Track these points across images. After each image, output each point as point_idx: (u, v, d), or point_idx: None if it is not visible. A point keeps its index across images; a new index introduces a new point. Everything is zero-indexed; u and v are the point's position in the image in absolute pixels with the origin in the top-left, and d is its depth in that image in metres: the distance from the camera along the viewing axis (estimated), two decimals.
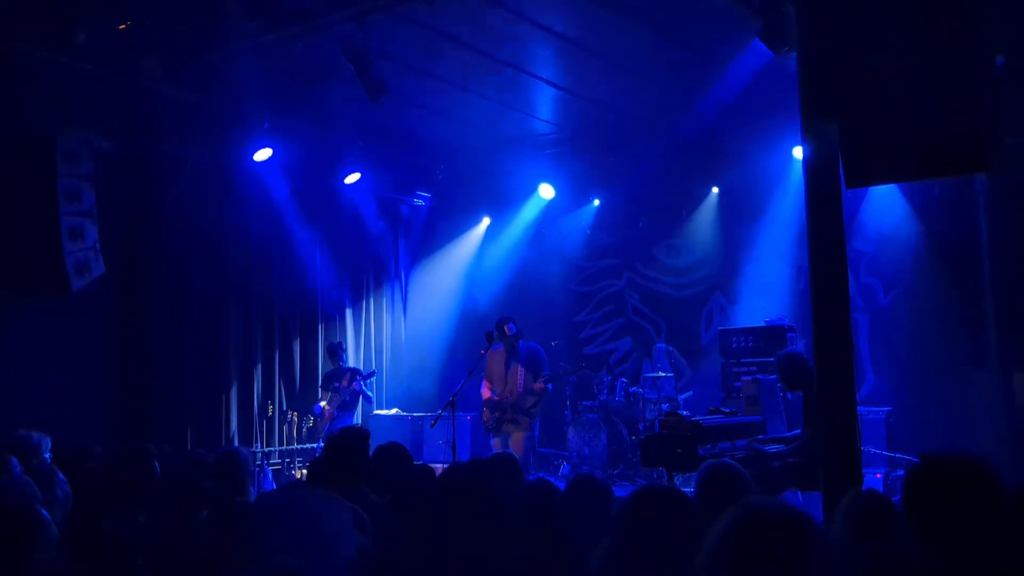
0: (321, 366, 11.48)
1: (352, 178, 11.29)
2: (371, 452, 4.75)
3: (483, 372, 9.60)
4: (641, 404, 11.19)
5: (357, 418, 10.81)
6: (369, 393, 10.83)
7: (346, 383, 10.38)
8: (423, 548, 2.42)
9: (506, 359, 9.43)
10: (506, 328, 9.33)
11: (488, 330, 8.94)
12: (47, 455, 5.24)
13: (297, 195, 11.02)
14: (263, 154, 9.94)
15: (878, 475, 8.70)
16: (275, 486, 8.72)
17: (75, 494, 4.51)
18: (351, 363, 11.40)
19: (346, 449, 4.46)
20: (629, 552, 2.40)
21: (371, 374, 11.22)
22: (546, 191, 12.53)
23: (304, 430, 10.62)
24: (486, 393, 9.52)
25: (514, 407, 9.24)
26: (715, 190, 11.86)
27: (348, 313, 12.17)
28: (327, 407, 10.43)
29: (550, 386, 9.46)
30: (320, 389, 10.81)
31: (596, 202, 12.77)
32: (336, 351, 10.72)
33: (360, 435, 4.60)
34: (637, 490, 2.69)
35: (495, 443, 9.36)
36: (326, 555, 3.17)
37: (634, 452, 10.55)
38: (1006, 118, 4.26)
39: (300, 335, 11.41)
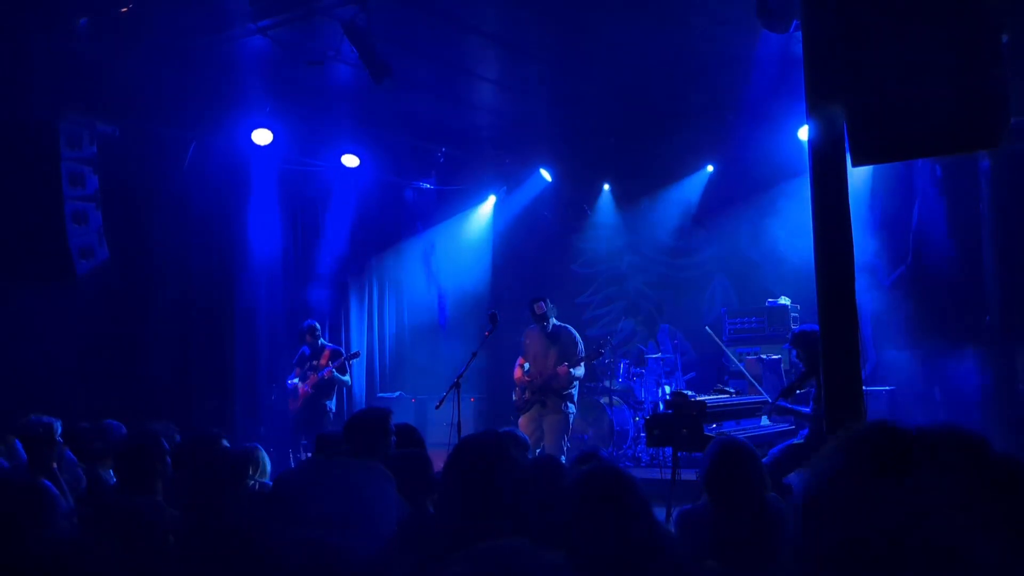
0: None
1: (353, 161, 11.26)
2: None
3: (521, 352, 9.27)
4: (644, 385, 11.24)
5: (332, 401, 10.17)
6: (344, 377, 10.23)
7: (325, 362, 10.00)
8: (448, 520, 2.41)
9: (542, 339, 9.03)
10: (536, 307, 8.96)
11: (492, 311, 8.90)
12: (58, 439, 5.26)
13: (300, 178, 11.00)
14: (264, 137, 9.92)
15: None
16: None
17: (88, 476, 4.55)
18: (354, 345, 11.41)
19: (368, 428, 4.41)
20: (580, 532, 2.35)
21: (355, 355, 10.67)
22: (545, 175, 12.59)
23: None
24: (518, 373, 9.14)
25: (543, 388, 8.82)
26: (709, 168, 11.89)
27: (352, 296, 12.17)
28: (302, 386, 9.99)
29: (574, 371, 8.81)
30: (295, 367, 10.25)
31: (606, 187, 12.81)
32: (314, 331, 10.26)
33: (383, 415, 4.57)
34: (582, 476, 2.55)
35: (522, 423, 8.83)
36: (370, 526, 3.04)
37: (638, 433, 10.60)
38: (1011, 96, 4.24)
39: (305, 317, 11.39)
